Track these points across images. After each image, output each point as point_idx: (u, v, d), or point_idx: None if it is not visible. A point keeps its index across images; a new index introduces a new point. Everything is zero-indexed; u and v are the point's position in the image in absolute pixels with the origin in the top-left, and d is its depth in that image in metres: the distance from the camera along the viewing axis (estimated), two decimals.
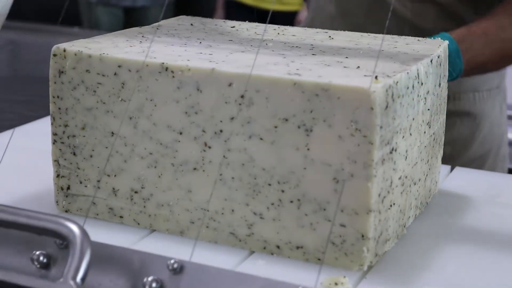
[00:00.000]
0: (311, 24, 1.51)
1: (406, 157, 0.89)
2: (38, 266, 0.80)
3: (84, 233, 0.75)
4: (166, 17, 1.17)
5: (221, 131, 0.87)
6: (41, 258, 0.79)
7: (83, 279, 0.73)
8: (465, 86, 1.41)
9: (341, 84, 0.82)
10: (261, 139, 0.86)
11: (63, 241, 0.76)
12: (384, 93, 0.81)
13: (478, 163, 1.45)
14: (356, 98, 0.81)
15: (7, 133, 1.24)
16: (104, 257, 0.78)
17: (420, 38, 1.03)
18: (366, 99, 0.80)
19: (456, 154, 1.42)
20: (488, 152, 1.46)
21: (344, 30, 1.09)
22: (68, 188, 0.97)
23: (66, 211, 0.97)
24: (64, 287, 0.73)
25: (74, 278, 0.73)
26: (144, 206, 0.94)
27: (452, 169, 1.18)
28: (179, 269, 0.75)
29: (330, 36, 1.04)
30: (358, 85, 0.81)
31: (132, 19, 3.84)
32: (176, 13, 1.19)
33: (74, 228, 0.75)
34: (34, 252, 0.80)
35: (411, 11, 1.36)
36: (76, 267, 0.73)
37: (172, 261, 0.75)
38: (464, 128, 1.43)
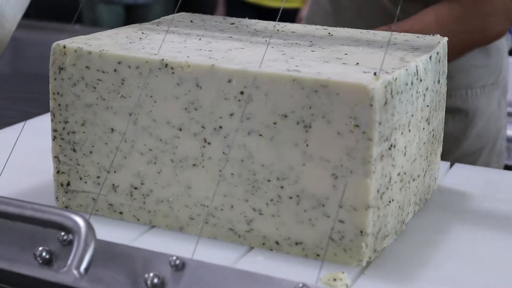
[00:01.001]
0: (310, 18, 1.52)
1: (405, 153, 0.89)
2: (40, 262, 0.80)
3: (89, 225, 0.76)
4: (166, 14, 1.17)
5: (220, 127, 0.87)
6: (44, 254, 0.80)
7: (86, 269, 0.74)
8: (457, 83, 1.41)
9: (340, 80, 0.82)
10: (260, 135, 0.86)
11: (68, 233, 0.77)
12: (383, 90, 0.82)
13: (471, 159, 1.45)
14: (355, 95, 0.81)
15: (8, 130, 1.24)
16: (106, 254, 0.78)
17: (419, 35, 1.04)
18: (365, 96, 0.80)
19: (448, 150, 1.42)
20: (482, 148, 1.46)
21: (337, 26, 1.09)
22: (68, 184, 0.97)
23: (66, 207, 0.98)
24: (67, 277, 0.73)
25: (77, 268, 0.74)
26: (144, 202, 0.94)
27: (451, 165, 1.18)
28: (181, 266, 0.75)
29: (329, 33, 1.05)
30: (357, 81, 0.81)
31: (133, 16, 3.84)
32: (177, 11, 1.19)
33: (79, 220, 0.76)
34: (36, 248, 0.80)
35: (400, 9, 1.36)
36: (80, 257, 0.74)
37: (174, 258, 0.75)
38: (455, 124, 1.42)
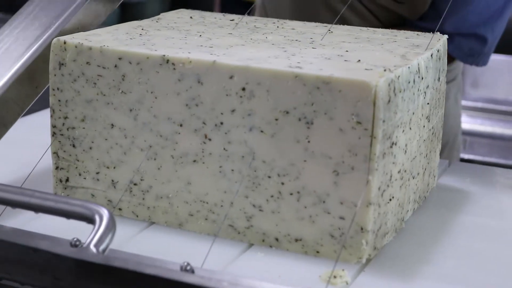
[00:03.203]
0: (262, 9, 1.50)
1: (405, 151, 0.90)
2: None
3: (111, 215, 0.77)
4: (162, 12, 1.17)
5: (221, 123, 0.87)
6: None
7: (104, 250, 0.75)
8: None
9: (342, 77, 0.82)
10: (261, 131, 0.86)
11: (90, 222, 0.78)
12: (386, 87, 0.81)
13: None
14: (358, 91, 0.81)
15: None
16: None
17: (419, 33, 1.04)
18: (368, 93, 0.80)
19: None
20: (444, 146, 1.47)
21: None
22: (67, 180, 0.97)
23: None
24: (85, 253, 0.74)
25: (96, 246, 0.74)
26: (143, 199, 0.94)
27: (450, 163, 1.18)
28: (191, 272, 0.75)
29: (329, 30, 1.05)
30: (360, 78, 0.81)
31: (128, 14, 3.84)
32: (172, 8, 1.19)
33: (104, 209, 0.78)
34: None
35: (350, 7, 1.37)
36: (100, 238, 0.75)
37: (185, 264, 0.75)
38: None
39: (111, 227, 0.76)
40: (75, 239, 0.78)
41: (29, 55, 0.98)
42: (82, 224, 0.80)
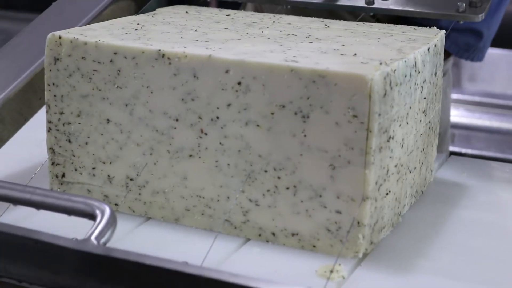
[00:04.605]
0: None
1: (402, 145, 0.89)
2: None
3: (113, 211, 0.78)
4: (159, 7, 1.17)
5: (217, 117, 0.87)
6: None
7: (105, 243, 0.75)
8: None
9: (338, 71, 0.82)
10: (257, 125, 0.86)
11: (91, 218, 0.78)
12: (382, 81, 0.81)
13: None
14: (354, 85, 0.81)
15: None
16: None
17: (416, 27, 1.03)
18: (364, 86, 0.80)
19: None
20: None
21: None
22: (63, 175, 0.96)
23: None
24: (86, 245, 0.74)
25: (97, 239, 0.75)
26: (140, 194, 0.94)
27: (447, 157, 1.18)
28: None
29: (325, 25, 1.04)
30: (356, 72, 0.81)
31: None
32: (169, 4, 1.18)
33: (105, 205, 0.79)
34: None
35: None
36: (101, 231, 0.76)
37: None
38: None
39: (112, 222, 0.77)
40: (73, 239, 0.78)
41: (34, 67, 0.99)
42: (81, 224, 0.80)
